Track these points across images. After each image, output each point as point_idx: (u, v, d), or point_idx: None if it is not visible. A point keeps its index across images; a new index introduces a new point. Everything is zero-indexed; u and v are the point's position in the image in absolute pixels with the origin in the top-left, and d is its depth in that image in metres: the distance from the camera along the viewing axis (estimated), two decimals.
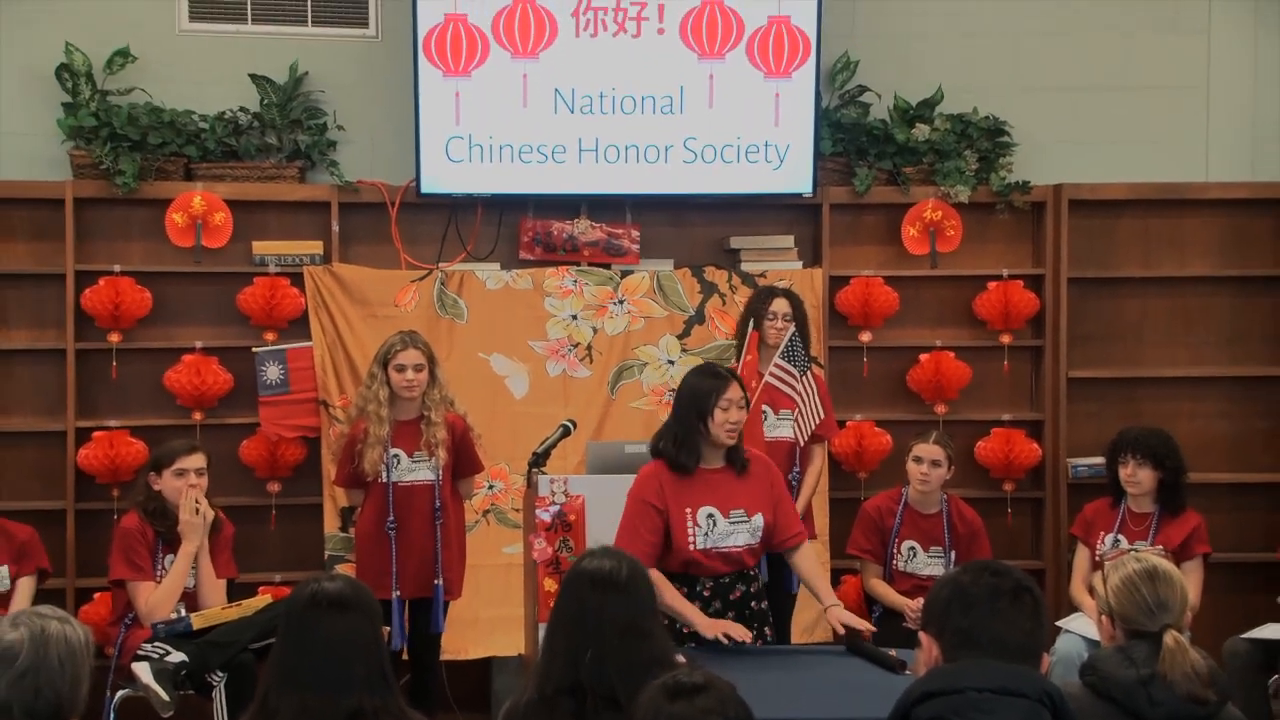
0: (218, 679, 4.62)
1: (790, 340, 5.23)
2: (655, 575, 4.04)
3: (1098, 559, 5.22)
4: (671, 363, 5.96)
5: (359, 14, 6.03)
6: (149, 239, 5.84)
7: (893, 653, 3.92)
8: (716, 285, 6.00)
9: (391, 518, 5.02)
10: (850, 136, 6.12)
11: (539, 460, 4.67)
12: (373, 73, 6.03)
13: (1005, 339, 6.16)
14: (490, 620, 5.66)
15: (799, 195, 6.03)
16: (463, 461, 5.17)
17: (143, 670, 4.58)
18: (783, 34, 5.85)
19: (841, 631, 4.06)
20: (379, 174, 5.96)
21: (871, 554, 5.33)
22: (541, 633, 3.24)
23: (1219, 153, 6.33)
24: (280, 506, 5.86)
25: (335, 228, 5.90)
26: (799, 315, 5.38)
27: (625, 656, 2.81)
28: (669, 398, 5.85)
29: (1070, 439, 6.12)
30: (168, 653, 4.62)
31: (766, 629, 4.27)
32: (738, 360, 5.33)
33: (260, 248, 5.84)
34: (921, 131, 6.09)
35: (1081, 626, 5.01)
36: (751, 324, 5.35)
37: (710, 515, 4.12)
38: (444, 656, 5.36)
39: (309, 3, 5.99)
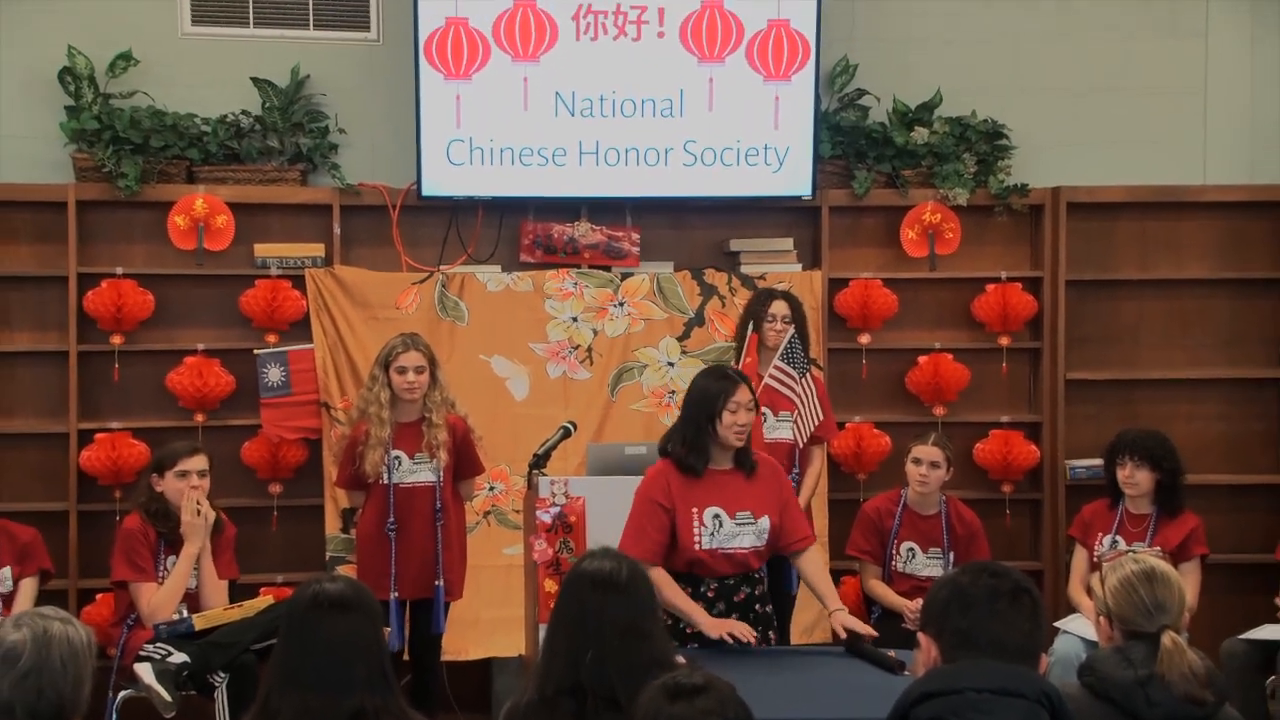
0: (220, 679, 4.62)
1: (789, 342, 5.24)
2: (661, 575, 4.07)
3: (1096, 560, 5.24)
4: (671, 365, 5.97)
5: (360, 17, 6.04)
6: (151, 241, 5.85)
7: (892, 653, 3.93)
8: (716, 287, 6.01)
9: (392, 519, 5.03)
10: (849, 139, 6.14)
11: (539, 462, 4.69)
12: (374, 76, 6.05)
13: (1004, 341, 6.17)
14: (491, 621, 5.67)
15: (798, 198, 6.04)
16: (464, 463, 5.18)
17: (145, 671, 4.59)
18: (782, 37, 5.87)
19: (844, 636, 4.07)
20: (380, 177, 5.98)
21: (870, 555, 5.34)
22: (542, 634, 3.24)
23: (1217, 155, 6.34)
24: (282, 508, 5.87)
25: (337, 230, 5.92)
26: (798, 317, 5.39)
27: (625, 657, 2.82)
28: (669, 399, 5.91)
29: (1068, 441, 6.14)
30: (170, 653, 4.62)
31: (771, 633, 4.27)
32: (737, 362, 5.34)
33: (262, 250, 5.85)
34: (920, 134, 6.11)
35: (1079, 627, 5.02)
36: (751, 326, 5.36)
37: (717, 516, 4.13)
38: (445, 657, 5.37)
39: (310, 6, 6.01)
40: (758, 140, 5.93)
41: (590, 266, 6.00)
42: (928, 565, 5.27)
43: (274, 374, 5.74)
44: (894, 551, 5.31)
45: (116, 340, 5.77)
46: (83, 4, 5.91)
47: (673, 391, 5.94)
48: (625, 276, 6.00)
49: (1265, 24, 6.36)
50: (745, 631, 4.01)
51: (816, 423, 5.34)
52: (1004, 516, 6.14)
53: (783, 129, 5.93)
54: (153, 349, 5.83)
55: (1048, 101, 6.28)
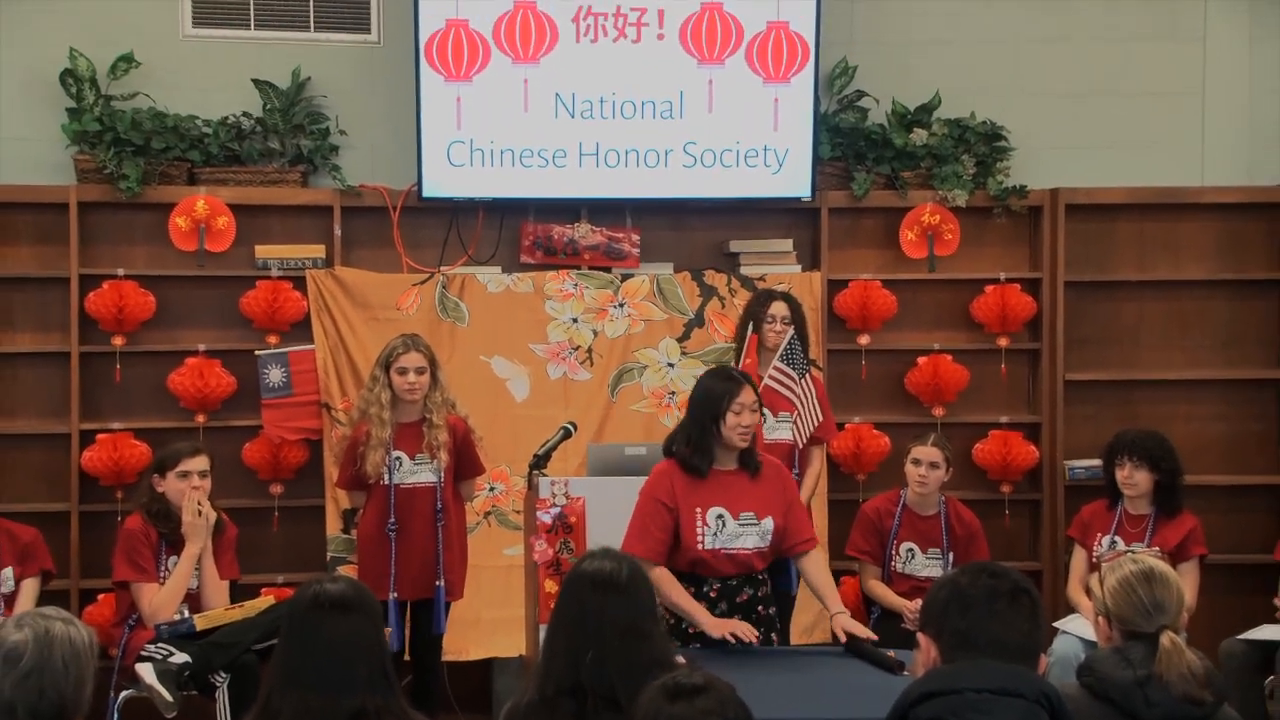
0: (221, 680, 4.63)
1: (789, 343, 5.25)
2: (664, 574, 4.08)
3: (1095, 560, 5.24)
4: (671, 365, 5.99)
5: (361, 19, 6.06)
6: (152, 243, 5.86)
7: (891, 653, 3.94)
8: (716, 289, 6.03)
9: (392, 519, 5.04)
10: (848, 141, 6.15)
11: (540, 462, 4.70)
12: (375, 78, 6.06)
13: (1003, 342, 6.18)
14: (491, 621, 5.68)
15: (798, 199, 6.05)
16: (464, 464, 5.19)
17: (146, 671, 4.60)
18: (781, 39, 5.88)
19: (845, 640, 4.06)
20: (381, 178, 5.99)
21: (870, 555, 5.35)
22: (542, 634, 3.24)
23: (1215, 157, 6.35)
24: (283, 508, 5.88)
25: (337, 232, 5.93)
26: (798, 318, 5.40)
27: (625, 658, 2.83)
28: (669, 400, 5.93)
29: (1067, 441, 6.15)
30: (171, 654, 4.64)
31: (773, 635, 4.27)
32: (737, 363, 5.35)
33: (263, 251, 5.87)
34: (919, 136, 6.12)
35: (1078, 628, 5.03)
36: (750, 327, 5.37)
37: (720, 516, 4.14)
38: (445, 657, 5.37)
39: (311, 8, 6.02)
40: (757, 142, 5.94)
41: (590, 268, 6.02)
42: (927, 566, 5.28)
43: (275, 375, 5.75)
44: (893, 552, 5.32)
45: (118, 341, 5.78)
46: (84, 6, 5.92)
47: (673, 392, 5.96)
48: (625, 278, 6.01)
49: (1263, 26, 6.37)
50: (747, 631, 4.01)
51: (816, 423, 5.35)
52: (1003, 517, 6.15)
53: (782, 130, 5.94)
54: (154, 350, 5.84)
55: (1046, 103, 6.30)
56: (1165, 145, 6.34)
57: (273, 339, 5.84)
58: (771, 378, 5.24)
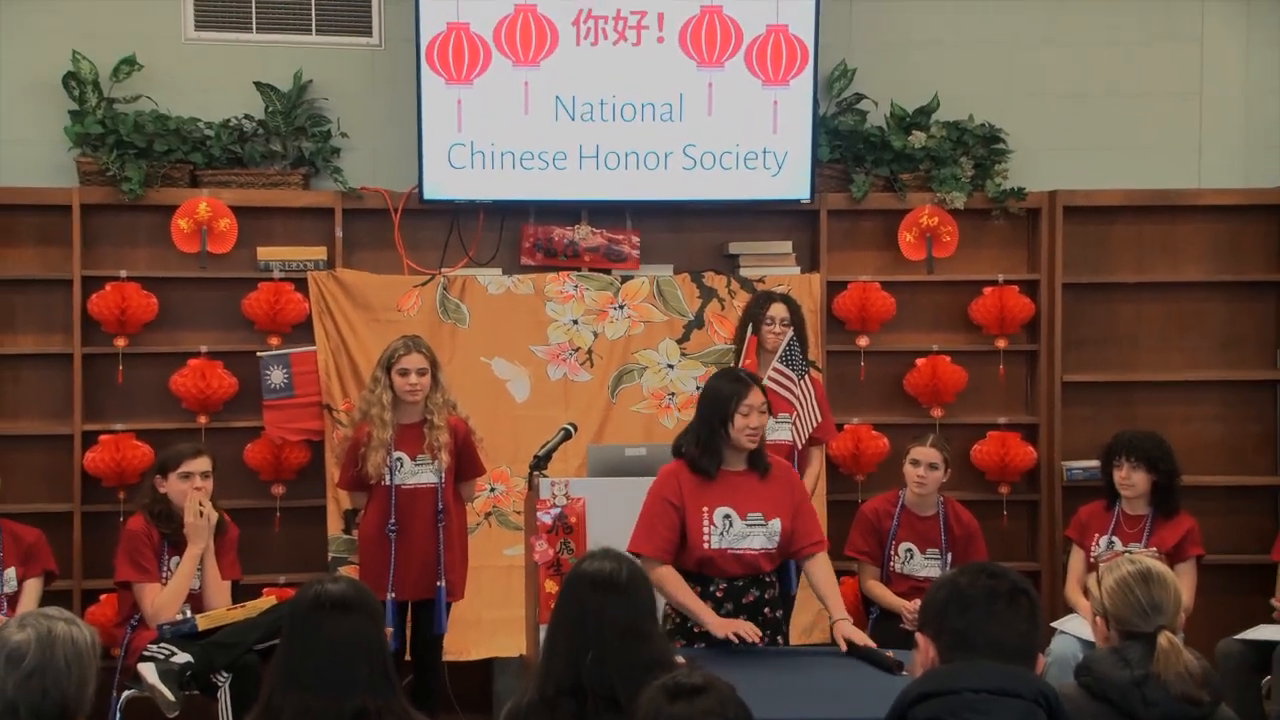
0: (223, 679, 4.65)
1: (788, 345, 5.26)
2: (670, 573, 4.10)
3: (1092, 561, 5.25)
4: (671, 367, 6.01)
5: (362, 23, 6.07)
6: (155, 245, 5.87)
7: (890, 654, 3.96)
8: (715, 290, 6.04)
9: (393, 520, 5.06)
10: (847, 143, 6.17)
11: (540, 463, 4.71)
12: (376, 80, 6.08)
13: (1001, 343, 6.20)
14: (492, 622, 5.70)
15: (797, 201, 6.07)
16: (465, 464, 5.21)
17: (148, 671, 4.61)
18: (781, 42, 5.90)
19: (845, 648, 4.06)
20: (382, 180, 6.01)
21: (869, 556, 5.36)
22: (543, 634, 3.25)
23: (1212, 159, 6.37)
24: (284, 509, 5.89)
25: (339, 234, 5.95)
26: (797, 320, 5.42)
27: (625, 658, 2.84)
28: (669, 401, 5.95)
29: (1065, 442, 6.17)
30: (173, 654, 4.65)
31: (779, 638, 4.28)
32: (736, 364, 5.37)
33: (265, 253, 5.88)
34: (918, 138, 6.14)
35: (1076, 628, 5.04)
36: (750, 329, 5.39)
37: (727, 516, 4.15)
38: (446, 657, 5.39)
39: (313, 11, 6.03)
40: (757, 144, 5.96)
41: (590, 269, 6.03)
42: (925, 566, 5.29)
43: (276, 376, 5.77)
44: (892, 552, 5.33)
45: (120, 343, 5.79)
46: (87, 9, 5.94)
47: (672, 393, 5.98)
48: (625, 279, 6.03)
49: (1261, 28, 6.39)
50: (750, 631, 4.02)
51: (815, 424, 5.36)
52: (1001, 517, 6.16)
53: (781, 133, 5.96)
54: (156, 351, 5.86)
55: (1044, 106, 6.31)
56: (1163, 147, 6.36)
57: (274, 340, 5.86)
58: (771, 379, 5.25)
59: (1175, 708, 2.84)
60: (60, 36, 5.86)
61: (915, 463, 5.29)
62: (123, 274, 5.77)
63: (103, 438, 5.72)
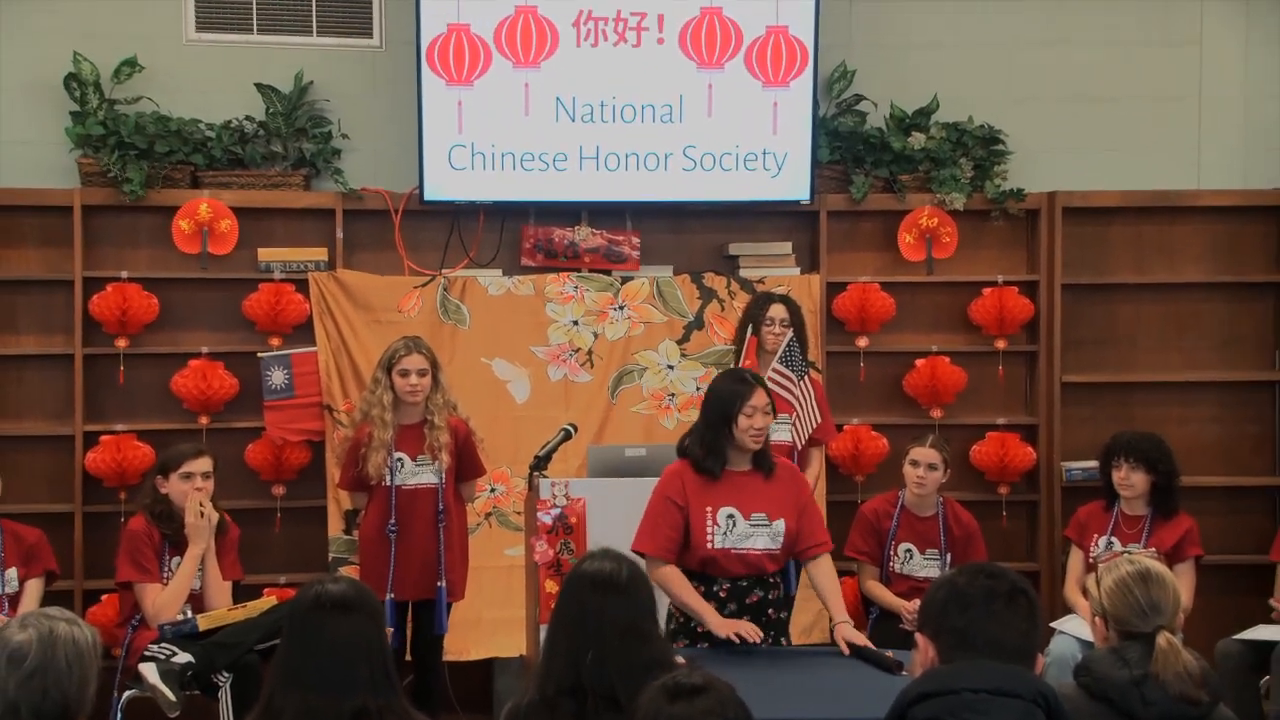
0: (223, 679, 4.65)
1: (788, 345, 5.26)
2: (674, 572, 4.11)
3: (1091, 561, 5.26)
4: (671, 368, 6.02)
5: (363, 24, 6.08)
6: (156, 246, 5.88)
7: (890, 653, 3.98)
8: (715, 291, 6.05)
9: (392, 521, 5.07)
10: (847, 145, 6.18)
11: (540, 464, 4.73)
12: (376, 82, 6.09)
13: (1000, 344, 6.21)
14: (492, 622, 5.70)
15: (797, 202, 6.08)
16: (465, 465, 5.22)
17: (149, 671, 4.62)
18: (780, 44, 5.91)
19: (847, 652, 4.06)
20: (382, 182, 6.02)
21: (868, 556, 5.37)
22: (543, 634, 3.26)
23: (1211, 161, 6.38)
24: (285, 509, 5.90)
25: (339, 235, 5.96)
26: (796, 321, 5.43)
27: (625, 658, 2.85)
28: (669, 402, 5.96)
29: (1064, 443, 6.18)
30: (174, 654, 4.66)
31: (783, 639, 4.28)
32: (736, 365, 5.38)
33: (265, 254, 5.89)
34: (917, 140, 6.15)
35: (1075, 628, 5.05)
36: (750, 329, 5.40)
37: (731, 516, 4.16)
38: (446, 657, 5.40)
39: (314, 13, 6.04)
40: (756, 145, 5.97)
41: (590, 270, 6.04)
42: (925, 566, 5.30)
43: (277, 377, 5.77)
44: (891, 553, 5.34)
45: (121, 343, 5.80)
46: (88, 11, 5.94)
47: (672, 394, 5.99)
48: (625, 280, 6.04)
49: (1259, 30, 6.40)
50: (751, 632, 4.02)
51: (815, 425, 5.37)
52: (1000, 518, 6.17)
53: (781, 134, 5.97)
54: (157, 352, 5.87)
55: (1044, 107, 6.32)
56: (1162, 149, 6.37)
57: (275, 341, 5.87)
58: (770, 380, 5.25)
59: (1174, 708, 2.85)
60: (61, 38, 5.87)
61: (915, 463, 5.30)
62: (124, 275, 5.78)
63: (104, 438, 5.73)
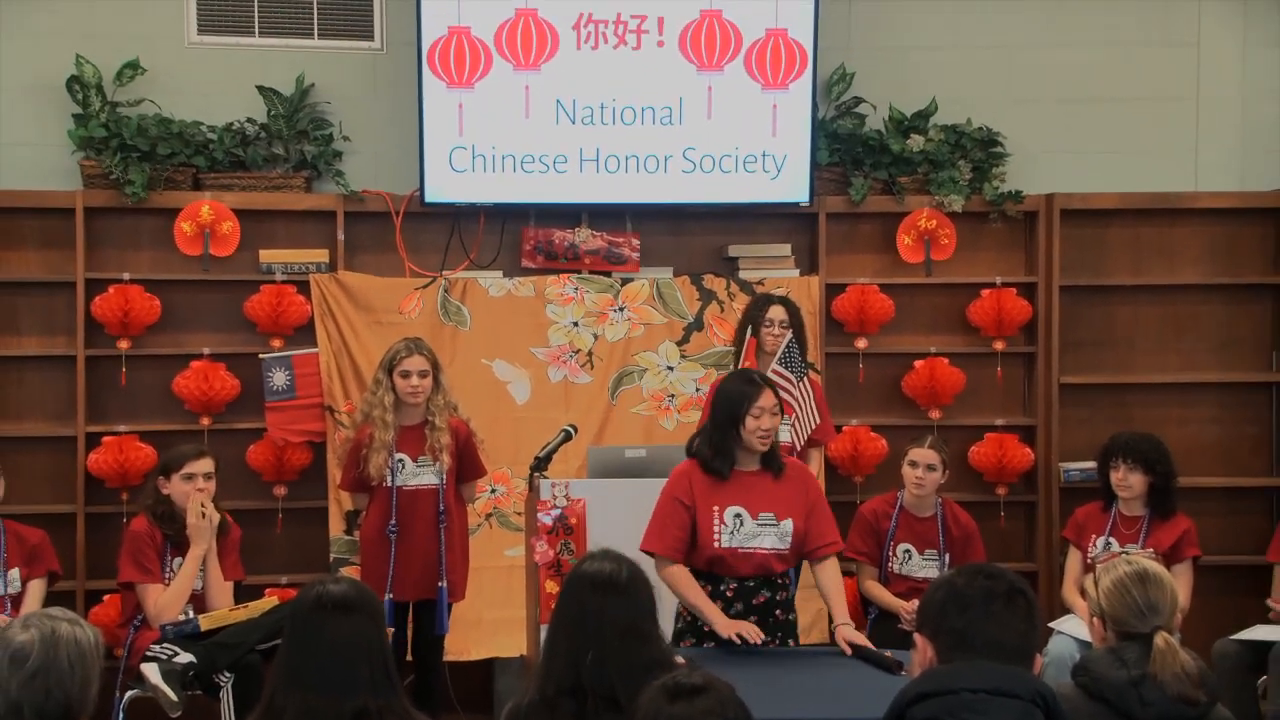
0: (225, 679, 4.66)
1: (787, 347, 5.27)
2: (681, 572, 4.12)
3: (1089, 562, 5.27)
4: (671, 369, 6.03)
5: (364, 27, 6.09)
6: (158, 247, 5.89)
7: (889, 653, 3.99)
8: (715, 293, 6.07)
9: (393, 521, 5.09)
10: (846, 147, 6.20)
11: (541, 464, 4.74)
12: (377, 84, 6.10)
13: (998, 345, 6.23)
14: (493, 622, 5.72)
15: (796, 204, 6.10)
16: (466, 466, 5.24)
17: (151, 671, 4.62)
18: (780, 46, 5.92)
19: (849, 652, 4.07)
20: (383, 184, 6.03)
21: (867, 556, 5.38)
22: (543, 634, 3.27)
23: (1208, 163, 6.39)
24: (286, 510, 5.92)
25: (341, 236, 5.97)
26: (796, 322, 5.44)
27: (625, 658, 2.86)
28: (668, 403, 5.98)
29: (1062, 444, 6.19)
30: (176, 654, 4.66)
31: (791, 641, 4.28)
32: (735, 367, 5.39)
33: (267, 256, 5.91)
34: (916, 142, 6.17)
35: (1073, 628, 5.05)
36: (749, 331, 5.41)
37: (738, 515, 4.17)
38: (447, 658, 5.41)
39: (315, 16, 6.05)
40: (756, 147, 5.99)
41: (591, 272, 6.06)
42: (924, 567, 5.31)
43: (279, 378, 5.79)
44: (890, 553, 5.35)
45: (123, 345, 5.82)
46: (90, 13, 5.96)
47: (672, 395, 6.01)
48: (625, 282, 6.05)
49: (1257, 32, 6.41)
50: (754, 634, 4.03)
51: (814, 426, 5.38)
52: (999, 519, 6.19)
53: (780, 136, 5.98)
54: (159, 353, 5.88)
55: (1042, 109, 6.34)
56: (1160, 150, 6.38)
57: (276, 343, 5.88)
58: None
59: (1172, 708, 2.86)
60: (64, 40, 5.88)
61: (913, 464, 5.31)
62: (126, 276, 5.80)
63: (106, 439, 5.75)
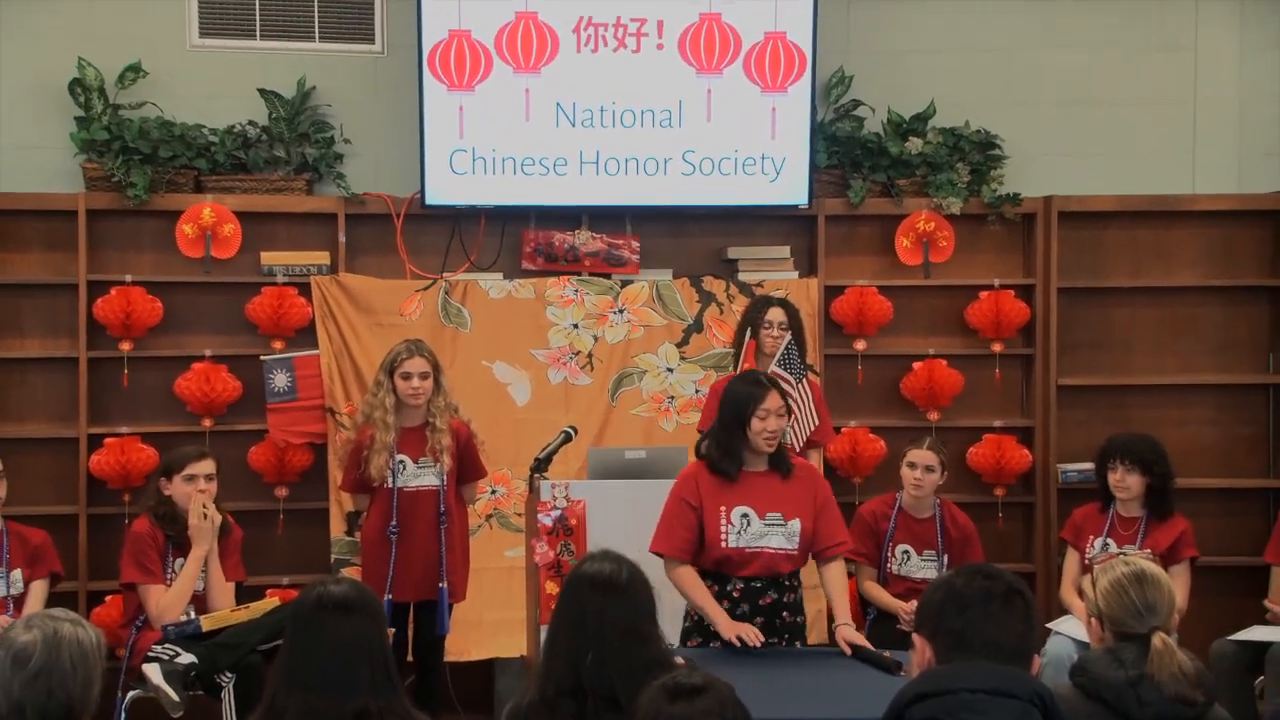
0: (226, 680, 4.66)
1: (786, 348, 5.28)
2: (688, 572, 4.15)
3: (1087, 562, 5.27)
4: (670, 370, 6.05)
5: (365, 30, 6.11)
6: (159, 250, 5.91)
7: (888, 654, 4.00)
8: (714, 295, 6.09)
9: (394, 522, 5.11)
10: (845, 149, 6.21)
11: (541, 466, 4.75)
12: (378, 87, 6.12)
13: (996, 347, 6.24)
14: (493, 622, 5.73)
15: (795, 207, 6.11)
16: (466, 467, 5.26)
17: (153, 671, 4.63)
18: (779, 50, 5.94)
19: (849, 653, 4.10)
20: (384, 186, 6.05)
21: (866, 557, 5.39)
22: (543, 635, 3.28)
23: (1206, 165, 6.41)
24: (288, 511, 5.93)
25: (342, 239, 5.98)
26: (795, 324, 5.44)
27: (625, 658, 2.87)
28: (668, 404, 5.99)
29: (1060, 445, 6.20)
30: (177, 654, 4.66)
31: (798, 642, 4.30)
32: (735, 368, 5.41)
33: (268, 258, 5.92)
34: (914, 145, 6.18)
35: (1071, 629, 5.06)
36: (748, 333, 5.42)
37: (745, 515, 4.19)
38: (447, 658, 5.43)
39: (316, 19, 6.07)
40: (755, 150, 6.00)
41: (591, 274, 6.07)
42: (922, 567, 5.33)
43: (280, 380, 5.80)
44: (889, 554, 5.37)
45: (125, 346, 5.83)
46: (92, 17, 5.97)
47: (672, 397, 6.02)
48: (625, 284, 6.06)
49: (1254, 35, 6.43)
50: (754, 637, 4.05)
51: (813, 427, 5.39)
52: (997, 519, 6.20)
53: (779, 139, 6.00)
54: (161, 355, 5.89)
55: (1039, 112, 6.35)
56: (1157, 153, 6.40)
57: (278, 344, 5.89)
58: None
59: (1169, 708, 2.87)
60: (66, 43, 5.89)
61: (912, 465, 5.32)
62: (128, 278, 5.81)
63: (108, 440, 5.76)
